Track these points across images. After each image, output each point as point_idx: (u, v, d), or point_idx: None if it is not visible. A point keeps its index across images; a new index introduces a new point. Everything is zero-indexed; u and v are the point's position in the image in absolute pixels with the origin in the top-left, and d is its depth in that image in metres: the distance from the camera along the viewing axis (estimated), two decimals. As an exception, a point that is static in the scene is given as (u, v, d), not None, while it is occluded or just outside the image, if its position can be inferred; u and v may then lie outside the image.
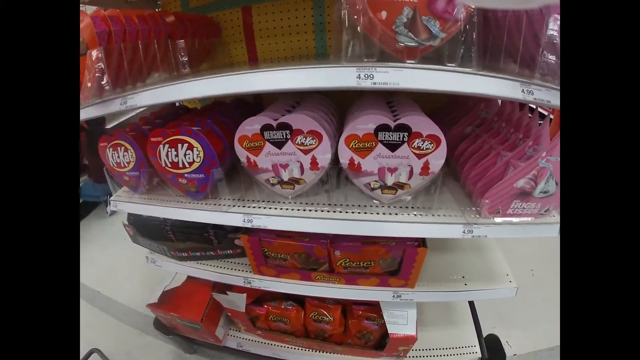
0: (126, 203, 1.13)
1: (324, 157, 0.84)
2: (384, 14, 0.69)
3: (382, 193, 0.87)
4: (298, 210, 0.90)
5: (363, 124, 0.78)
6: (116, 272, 2.29)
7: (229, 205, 0.96)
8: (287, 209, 0.91)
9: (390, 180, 0.84)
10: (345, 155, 0.82)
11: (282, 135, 0.84)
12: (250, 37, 1.21)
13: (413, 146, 0.78)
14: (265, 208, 0.92)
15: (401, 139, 0.78)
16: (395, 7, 0.68)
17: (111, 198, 1.18)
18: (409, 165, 0.81)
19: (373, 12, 0.68)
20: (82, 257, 2.48)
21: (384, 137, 0.79)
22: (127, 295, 2.06)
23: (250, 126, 0.85)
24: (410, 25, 0.69)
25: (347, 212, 0.88)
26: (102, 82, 0.87)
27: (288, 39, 1.17)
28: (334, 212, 0.88)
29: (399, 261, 0.97)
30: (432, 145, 0.77)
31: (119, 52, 0.88)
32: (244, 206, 0.94)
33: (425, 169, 0.81)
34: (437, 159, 0.79)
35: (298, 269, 1.04)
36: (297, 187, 0.90)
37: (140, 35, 0.92)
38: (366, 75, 0.67)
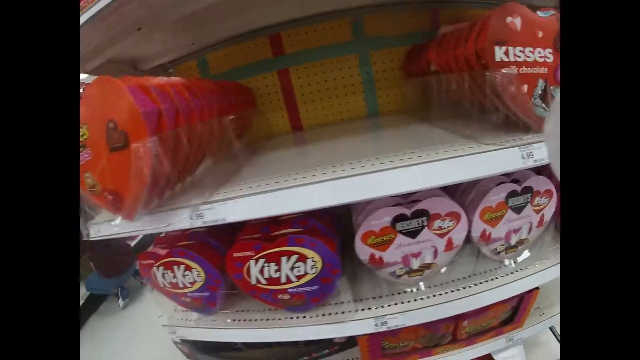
0: (188, 329, 0.89)
1: (459, 237, 0.78)
2: (525, 87, 0.67)
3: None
4: (434, 296, 0.81)
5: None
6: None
7: (349, 312, 0.81)
8: (421, 299, 0.81)
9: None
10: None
11: (418, 224, 0.74)
12: (291, 103, 1.06)
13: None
14: (397, 304, 0.81)
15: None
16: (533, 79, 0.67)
17: (165, 324, 0.92)
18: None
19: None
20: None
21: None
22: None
23: (379, 220, 0.74)
24: (543, 97, 0.69)
25: (476, 285, 0.82)
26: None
27: (336, 102, 1.05)
28: (465, 288, 0.82)
29: (515, 307, 0.97)
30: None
31: (173, 142, 0.63)
32: (369, 308, 0.81)
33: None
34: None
35: (417, 350, 0.95)
36: (426, 272, 0.82)
37: (197, 113, 0.71)
38: (528, 154, 0.64)
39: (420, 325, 0.89)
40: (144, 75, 1.04)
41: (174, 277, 0.83)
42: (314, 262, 0.73)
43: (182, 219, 0.66)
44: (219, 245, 0.84)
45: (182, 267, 0.80)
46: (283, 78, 1.04)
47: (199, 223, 0.65)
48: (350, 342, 0.98)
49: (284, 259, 0.73)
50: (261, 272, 0.76)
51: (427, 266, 0.80)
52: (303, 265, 0.74)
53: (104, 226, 0.75)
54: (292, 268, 0.74)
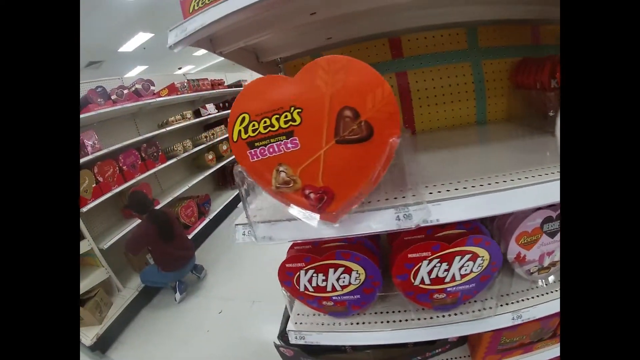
0: (323, 333, 0.86)
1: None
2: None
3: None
4: (557, 291, 0.89)
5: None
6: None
7: (490, 308, 0.85)
8: (546, 293, 0.89)
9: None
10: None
11: (559, 225, 0.82)
12: (407, 106, 1.07)
13: None
14: (528, 299, 0.87)
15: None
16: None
17: (291, 329, 0.88)
18: None
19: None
20: (159, 354, 2.18)
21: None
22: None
23: (532, 221, 0.81)
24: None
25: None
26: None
27: (449, 107, 1.09)
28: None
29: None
30: None
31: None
32: (506, 303, 0.86)
33: None
34: None
35: (523, 346, 1.02)
36: (552, 269, 0.90)
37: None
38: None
39: (539, 319, 0.97)
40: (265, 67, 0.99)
41: (324, 280, 0.80)
42: (482, 260, 0.77)
43: (388, 221, 0.64)
44: (372, 246, 0.83)
45: (341, 269, 0.78)
46: (401, 80, 1.06)
47: (407, 224, 0.64)
48: (460, 340, 1.03)
49: (457, 258, 0.76)
50: (429, 272, 0.77)
51: (554, 264, 0.89)
52: (472, 264, 0.77)
53: (260, 227, 0.70)
54: (460, 267, 0.77)
